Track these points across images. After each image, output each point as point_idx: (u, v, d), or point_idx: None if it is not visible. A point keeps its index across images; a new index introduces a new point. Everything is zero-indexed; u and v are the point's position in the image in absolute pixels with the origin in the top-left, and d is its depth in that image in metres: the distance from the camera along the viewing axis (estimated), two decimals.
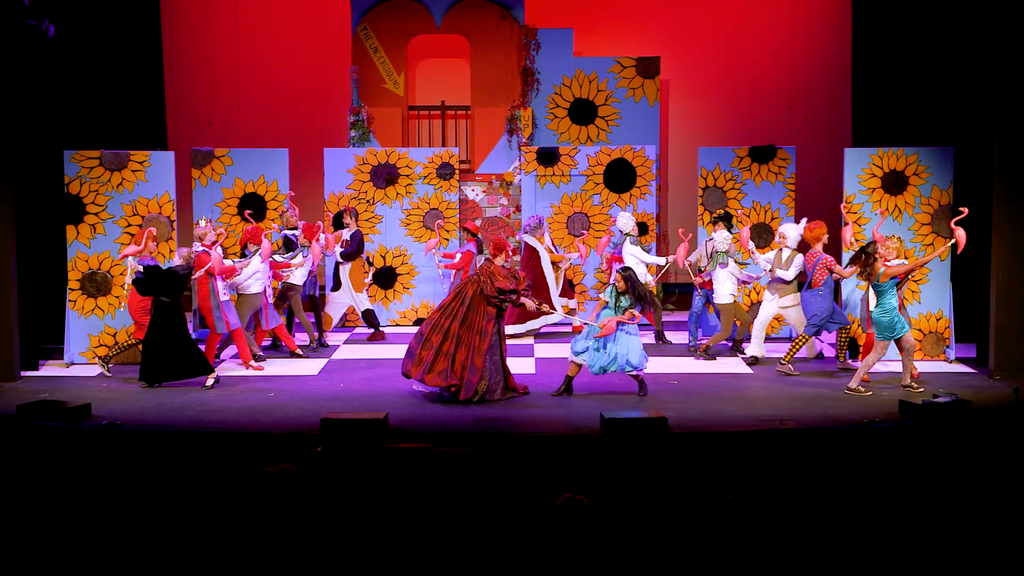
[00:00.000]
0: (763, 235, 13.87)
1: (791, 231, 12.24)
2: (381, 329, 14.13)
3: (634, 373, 10.87)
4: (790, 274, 12.12)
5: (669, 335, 13.99)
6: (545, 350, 13.41)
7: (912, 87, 14.21)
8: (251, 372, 12.11)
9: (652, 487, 8.22)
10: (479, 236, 14.27)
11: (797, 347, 11.91)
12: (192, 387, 11.41)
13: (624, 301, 10.77)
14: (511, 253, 11.23)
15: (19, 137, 12.15)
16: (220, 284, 11.88)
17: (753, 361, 12.43)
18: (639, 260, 13.32)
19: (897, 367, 11.48)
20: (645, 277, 13.11)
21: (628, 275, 10.78)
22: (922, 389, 10.93)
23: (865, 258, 10.91)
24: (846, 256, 12.44)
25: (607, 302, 10.86)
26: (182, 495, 6.68)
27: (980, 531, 6.40)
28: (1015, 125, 11.52)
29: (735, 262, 12.69)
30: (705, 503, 6.74)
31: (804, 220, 12.31)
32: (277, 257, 12.92)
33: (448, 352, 10.63)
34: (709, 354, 12.73)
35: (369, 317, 14.03)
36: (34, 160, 12.85)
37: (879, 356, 10.97)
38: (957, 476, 8.29)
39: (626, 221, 13.67)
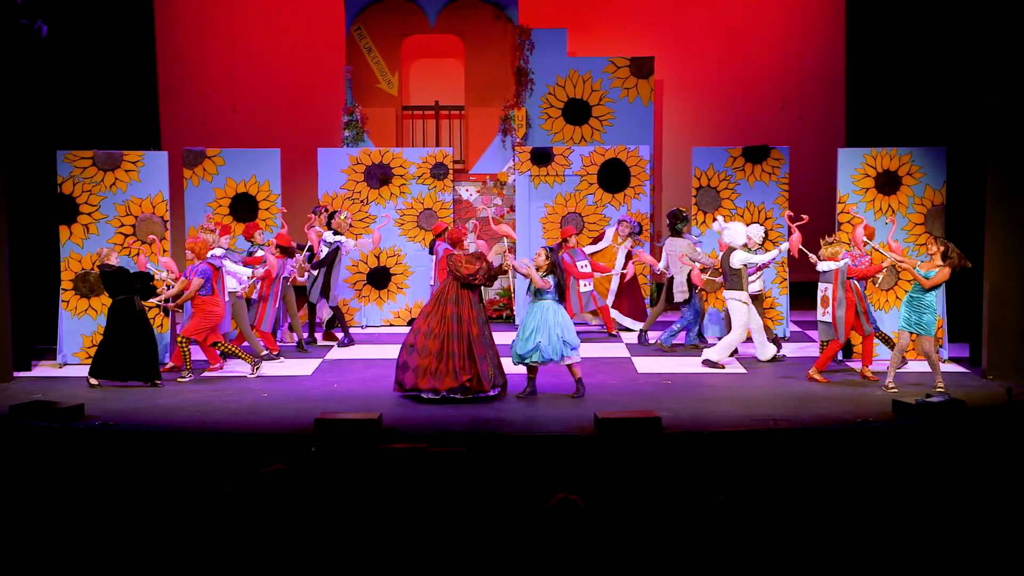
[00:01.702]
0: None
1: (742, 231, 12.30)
2: (338, 333, 13.94)
3: (567, 363, 10.82)
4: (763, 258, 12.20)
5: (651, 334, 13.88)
6: None
7: (905, 87, 14.22)
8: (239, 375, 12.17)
9: (646, 487, 8.23)
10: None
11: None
12: (141, 386, 11.46)
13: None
14: (465, 244, 11.42)
15: (12, 137, 12.13)
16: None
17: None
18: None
19: (907, 367, 11.38)
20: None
21: (553, 257, 10.84)
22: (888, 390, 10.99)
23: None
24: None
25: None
26: (176, 495, 6.68)
27: (973, 530, 6.41)
28: (1008, 125, 11.53)
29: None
30: (698, 503, 6.75)
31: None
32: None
33: (450, 351, 10.67)
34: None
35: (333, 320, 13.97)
36: (27, 160, 12.83)
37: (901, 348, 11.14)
38: (950, 476, 8.30)
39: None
